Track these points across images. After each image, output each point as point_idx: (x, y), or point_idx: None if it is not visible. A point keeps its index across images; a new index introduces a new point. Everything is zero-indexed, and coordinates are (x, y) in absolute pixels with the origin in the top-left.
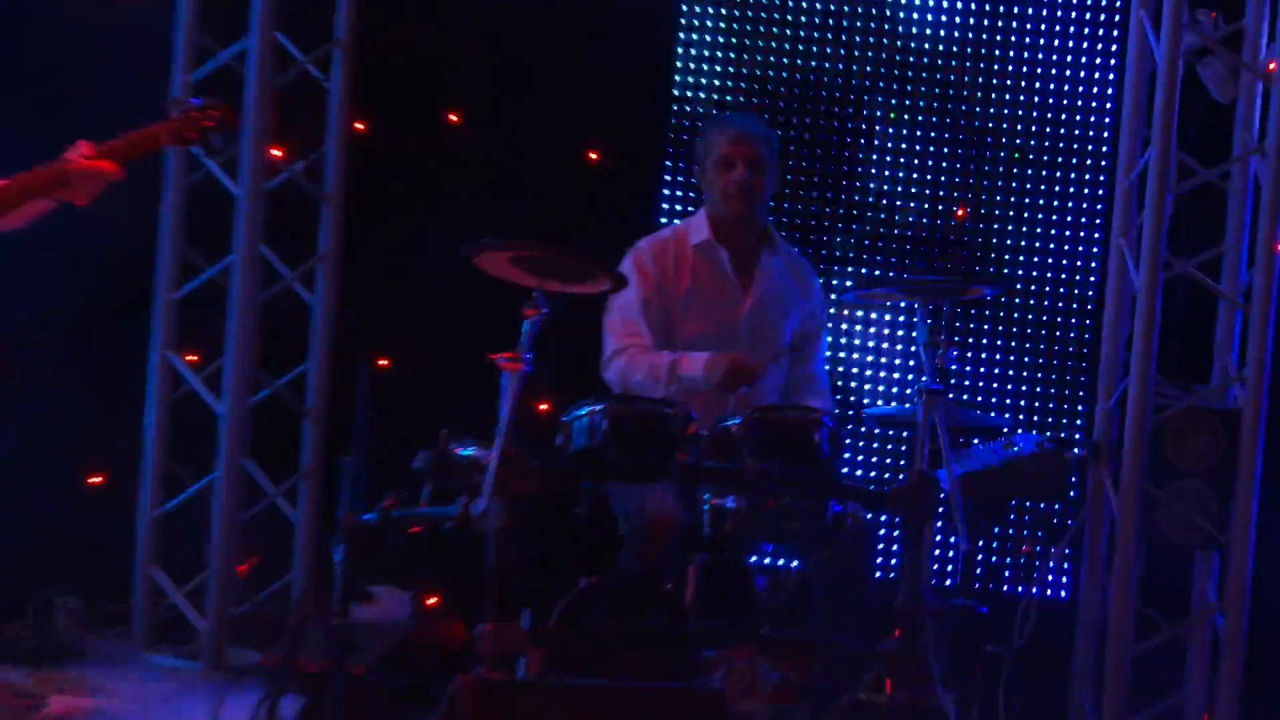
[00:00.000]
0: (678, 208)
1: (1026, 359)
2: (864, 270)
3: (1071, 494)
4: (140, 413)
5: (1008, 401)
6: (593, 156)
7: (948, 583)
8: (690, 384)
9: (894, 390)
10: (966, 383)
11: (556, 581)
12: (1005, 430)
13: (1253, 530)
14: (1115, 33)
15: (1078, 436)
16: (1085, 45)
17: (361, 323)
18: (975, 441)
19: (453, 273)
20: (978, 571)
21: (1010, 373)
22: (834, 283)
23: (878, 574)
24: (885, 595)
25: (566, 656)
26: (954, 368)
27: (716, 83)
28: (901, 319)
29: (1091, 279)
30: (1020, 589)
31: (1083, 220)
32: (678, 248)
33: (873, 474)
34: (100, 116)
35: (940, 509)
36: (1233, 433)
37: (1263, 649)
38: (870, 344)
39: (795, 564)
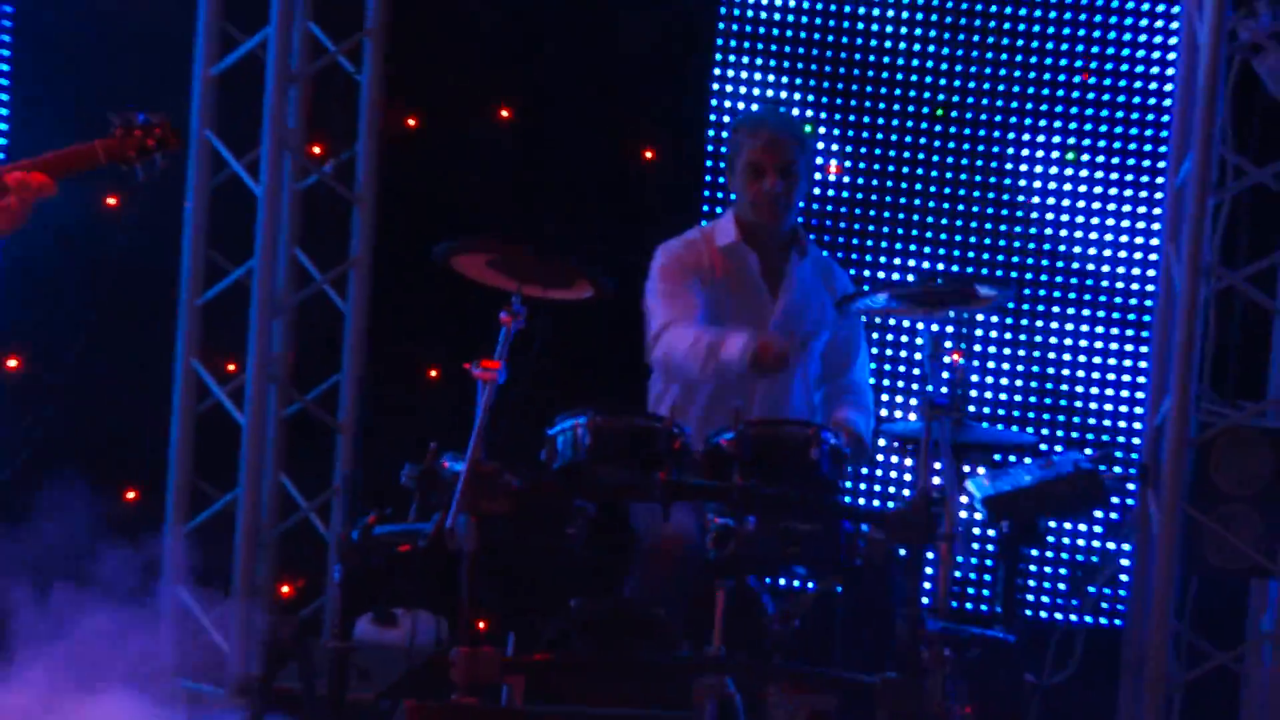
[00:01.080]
0: (718, 210)
1: (1081, 373)
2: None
3: (1114, 515)
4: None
5: (1060, 418)
6: (647, 155)
7: (983, 608)
8: (727, 369)
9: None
10: (1018, 398)
11: (546, 604)
12: (1044, 448)
13: None
14: (1174, 24)
15: (1134, 457)
16: (1143, 38)
17: (398, 329)
18: (1014, 460)
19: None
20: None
21: (1064, 388)
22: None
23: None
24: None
25: (548, 684)
26: (976, 378)
27: (758, 76)
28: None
29: (1149, 288)
30: (1062, 617)
31: (1139, 225)
32: (707, 249)
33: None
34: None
35: (951, 531)
36: None
37: None
38: (903, 354)
39: (812, 588)
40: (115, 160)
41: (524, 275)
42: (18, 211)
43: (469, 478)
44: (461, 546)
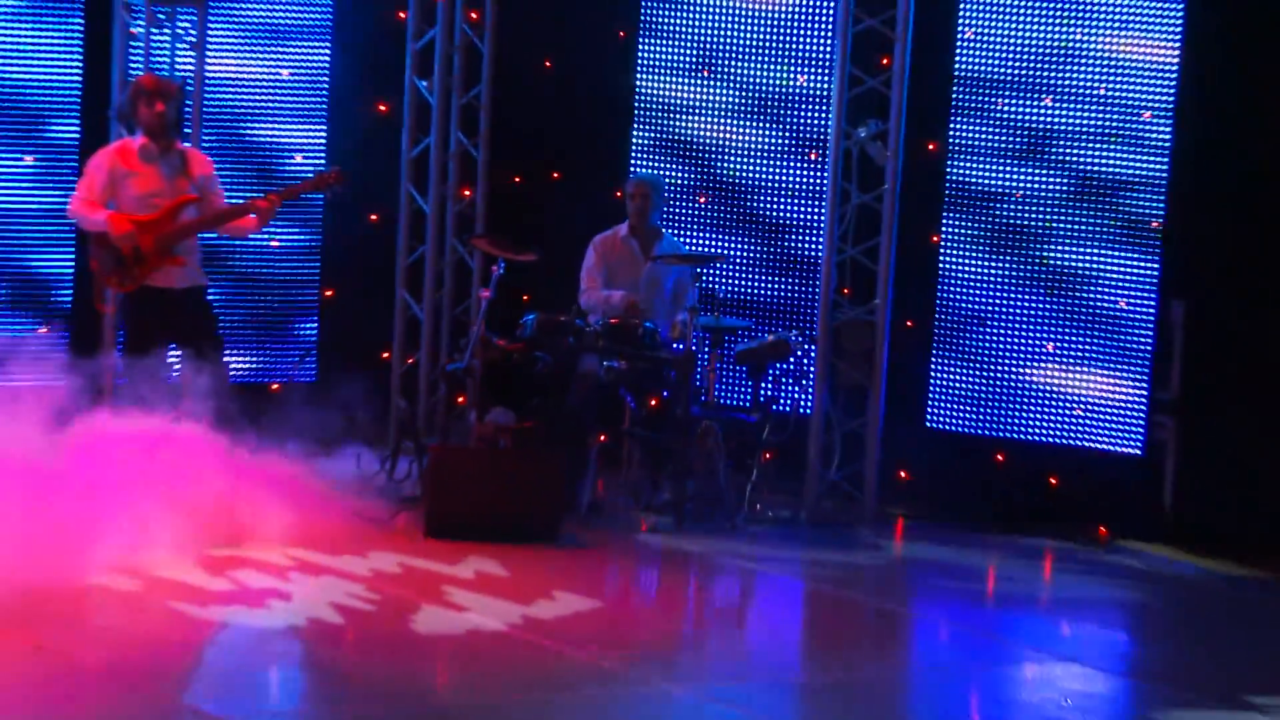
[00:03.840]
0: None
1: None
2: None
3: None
4: None
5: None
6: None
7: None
8: (612, 309)
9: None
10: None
11: (521, 402)
12: (755, 330)
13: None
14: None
15: (811, 333)
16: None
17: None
18: (750, 334)
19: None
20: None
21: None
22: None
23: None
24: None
25: (526, 437)
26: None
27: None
28: None
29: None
30: (777, 408)
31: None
32: (615, 237)
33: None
34: None
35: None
36: (876, 334)
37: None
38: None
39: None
40: (317, 189)
41: (502, 250)
42: (265, 220)
43: (478, 340)
44: (476, 373)
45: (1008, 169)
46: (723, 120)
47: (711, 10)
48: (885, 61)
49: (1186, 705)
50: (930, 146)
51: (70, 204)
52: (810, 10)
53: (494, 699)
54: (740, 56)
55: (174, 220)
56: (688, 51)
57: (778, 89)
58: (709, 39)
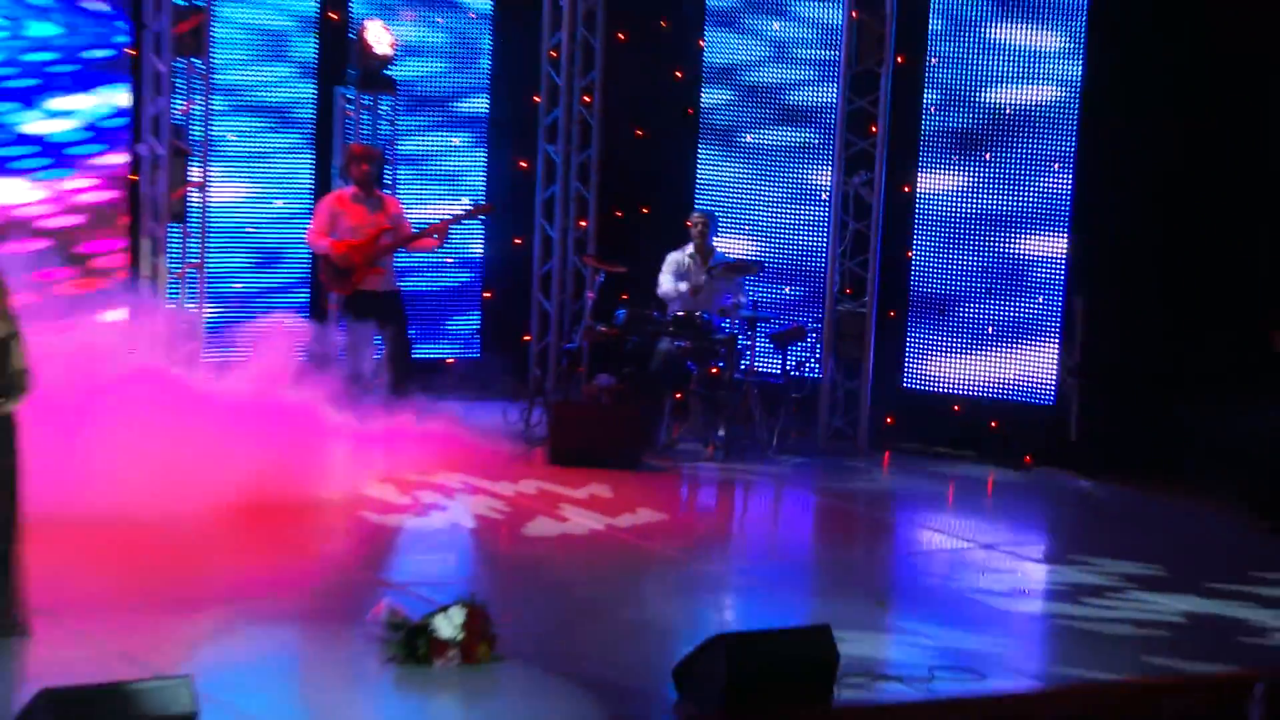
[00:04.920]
0: None
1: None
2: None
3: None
4: None
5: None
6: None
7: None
8: (681, 296)
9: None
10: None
11: (618, 366)
12: (781, 319)
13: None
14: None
15: (820, 321)
16: None
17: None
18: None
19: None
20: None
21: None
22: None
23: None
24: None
25: (619, 395)
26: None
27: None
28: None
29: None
30: (797, 374)
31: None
32: (682, 254)
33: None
34: None
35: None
36: (866, 321)
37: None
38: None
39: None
40: (474, 217)
41: (603, 264)
42: (441, 241)
43: (587, 327)
44: (586, 351)
45: (960, 204)
46: (758, 171)
47: (751, 96)
48: (872, 129)
49: (1038, 560)
50: (904, 188)
51: (306, 234)
52: (817, 94)
53: (585, 573)
54: (769, 126)
55: (374, 244)
56: (735, 121)
57: (797, 149)
58: (747, 117)
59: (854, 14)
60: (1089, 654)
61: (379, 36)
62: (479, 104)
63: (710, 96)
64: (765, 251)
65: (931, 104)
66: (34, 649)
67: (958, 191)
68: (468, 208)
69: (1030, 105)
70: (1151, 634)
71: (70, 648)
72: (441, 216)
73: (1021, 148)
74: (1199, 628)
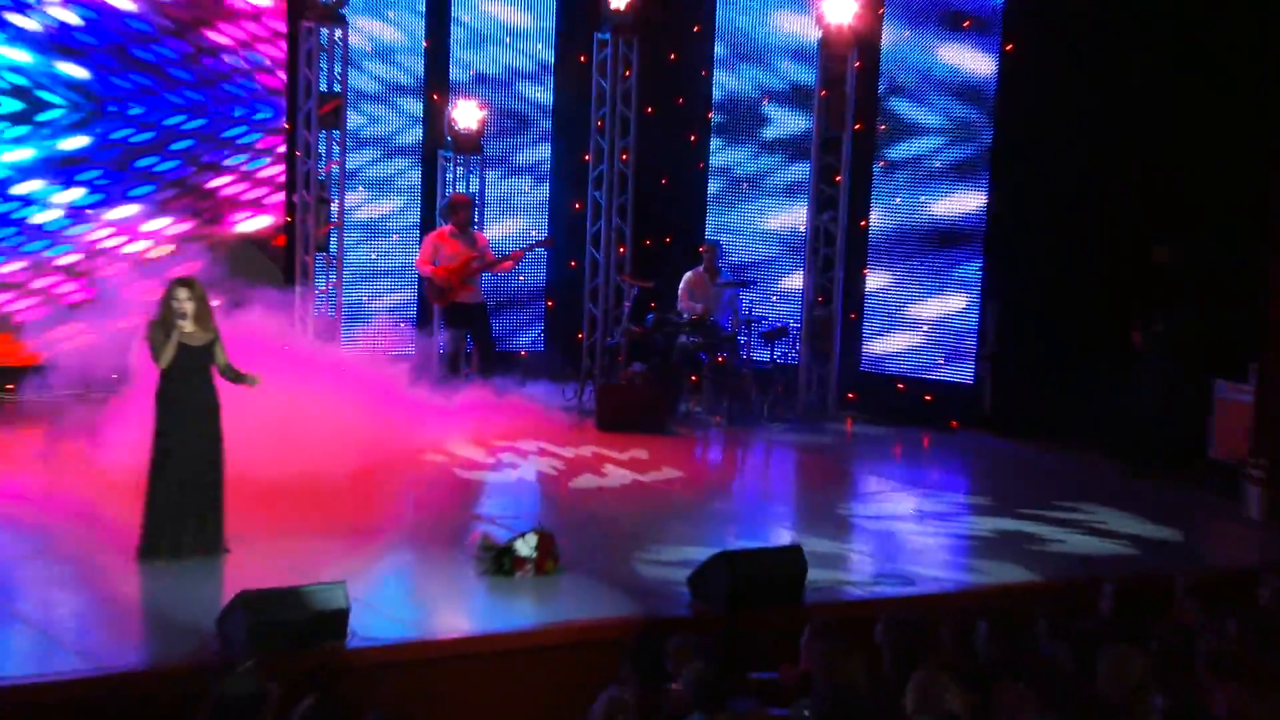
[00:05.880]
0: None
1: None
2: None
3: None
4: None
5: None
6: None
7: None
8: (694, 311)
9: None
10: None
11: (648, 356)
12: (770, 321)
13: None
14: None
15: (799, 323)
16: None
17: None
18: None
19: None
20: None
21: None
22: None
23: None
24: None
25: (649, 378)
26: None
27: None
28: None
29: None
30: (781, 362)
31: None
32: (696, 274)
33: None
34: None
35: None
36: (832, 321)
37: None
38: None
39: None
40: (538, 249)
41: (637, 281)
42: (515, 265)
43: (625, 328)
44: (624, 346)
45: (902, 234)
46: (752, 210)
47: (747, 154)
48: (836, 179)
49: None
50: (862, 223)
51: (416, 263)
52: (795, 151)
53: (624, 510)
54: (761, 176)
55: (466, 268)
56: (737, 174)
57: (782, 193)
58: (744, 169)
59: (823, 92)
60: (930, 560)
61: (466, 113)
62: (544, 161)
63: (716, 156)
64: (757, 271)
65: (882, 159)
66: (232, 563)
67: (903, 229)
68: (535, 241)
69: (951, 160)
70: (969, 544)
71: (257, 563)
72: (516, 247)
73: (946, 188)
74: (1001, 539)
